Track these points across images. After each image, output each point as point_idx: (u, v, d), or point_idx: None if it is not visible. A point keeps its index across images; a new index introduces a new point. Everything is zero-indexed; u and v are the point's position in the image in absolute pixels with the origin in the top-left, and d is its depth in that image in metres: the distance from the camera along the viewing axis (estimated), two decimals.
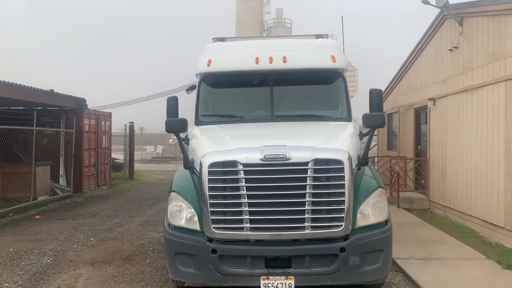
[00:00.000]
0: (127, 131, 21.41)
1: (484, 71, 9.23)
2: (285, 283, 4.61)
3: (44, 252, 7.71)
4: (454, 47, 10.66)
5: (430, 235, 8.61)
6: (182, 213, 4.94)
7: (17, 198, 12.65)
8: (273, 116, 6.27)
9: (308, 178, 4.63)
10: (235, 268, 4.69)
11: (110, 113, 18.97)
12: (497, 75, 8.64)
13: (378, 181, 5.22)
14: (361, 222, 4.77)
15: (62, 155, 15.37)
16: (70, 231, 9.53)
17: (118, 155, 24.01)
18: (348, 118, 6.26)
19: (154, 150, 42.45)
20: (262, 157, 4.65)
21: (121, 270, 6.62)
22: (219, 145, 5.23)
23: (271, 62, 6.32)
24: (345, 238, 4.69)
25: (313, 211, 4.62)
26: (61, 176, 15.30)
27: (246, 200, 4.64)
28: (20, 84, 12.53)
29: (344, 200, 4.63)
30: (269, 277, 4.63)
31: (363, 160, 5.15)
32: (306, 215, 4.60)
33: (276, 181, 4.65)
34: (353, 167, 4.89)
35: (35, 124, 12.71)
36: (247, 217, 4.63)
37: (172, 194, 5.10)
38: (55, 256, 7.46)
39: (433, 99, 11.99)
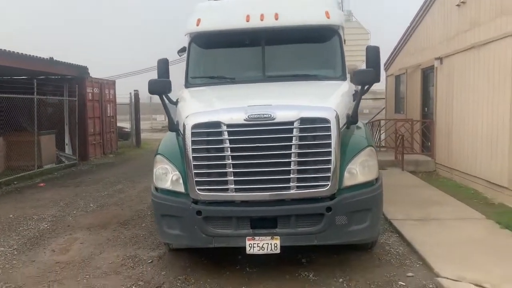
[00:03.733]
0: (133, 100, 21.35)
1: (491, 26, 8.80)
2: (271, 243, 4.55)
3: (43, 218, 7.79)
4: (462, 2, 10.17)
5: (432, 196, 8.46)
6: (167, 176, 4.87)
7: (22, 166, 12.76)
8: (265, 77, 6.07)
9: (293, 138, 4.49)
10: (220, 229, 4.64)
11: (114, 81, 18.87)
12: (505, 29, 8.23)
13: (368, 140, 5.06)
14: (348, 181, 4.64)
15: (66, 124, 15.41)
16: (72, 197, 9.61)
17: (127, 124, 24.07)
18: (343, 77, 6.03)
19: (164, 119, 42.49)
20: (246, 117, 4.51)
21: (116, 234, 6.66)
22: (204, 106, 5.10)
23: (262, 20, 6.07)
24: (332, 197, 4.58)
25: (299, 171, 4.50)
26: (67, 144, 15.40)
27: (230, 161, 4.54)
28: (18, 52, 12.45)
29: (330, 160, 4.49)
30: (255, 237, 4.57)
31: (353, 118, 4.97)
32: (292, 175, 4.48)
33: (260, 141, 4.52)
34: (342, 125, 4.74)
35: (35, 93, 12.66)
36: (232, 178, 4.54)
37: (158, 157, 5.02)
38: (53, 222, 7.53)
39: (440, 58, 11.58)
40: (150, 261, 5.50)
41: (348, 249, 5.46)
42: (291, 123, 4.50)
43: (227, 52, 6.55)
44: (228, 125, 4.54)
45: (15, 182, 11.58)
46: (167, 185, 4.86)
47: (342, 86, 5.69)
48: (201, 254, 5.49)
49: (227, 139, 4.54)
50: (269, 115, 4.50)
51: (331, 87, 5.60)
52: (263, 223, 4.61)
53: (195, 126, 4.61)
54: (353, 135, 5.01)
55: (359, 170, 4.70)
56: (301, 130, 4.51)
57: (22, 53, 12.57)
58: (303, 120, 4.51)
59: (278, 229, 4.58)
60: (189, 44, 6.50)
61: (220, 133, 4.55)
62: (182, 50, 7.21)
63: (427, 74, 13.26)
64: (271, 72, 6.12)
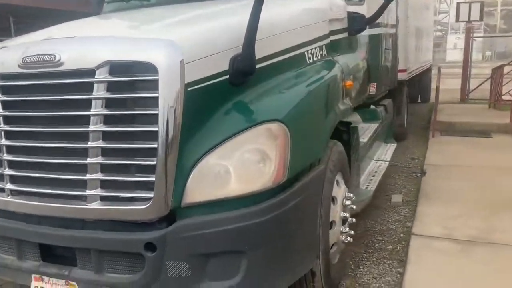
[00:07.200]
0: None
1: None
2: None
3: None
4: None
5: None
6: None
7: None
8: None
9: (93, 102, 2.30)
10: (2, 254, 2.78)
11: None
12: None
13: (281, 106, 2.53)
14: (201, 192, 2.28)
15: None
16: None
17: None
18: None
19: None
20: (21, 62, 2.43)
21: None
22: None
23: None
24: (171, 221, 2.32)
25: (104, 168, 2.33)
26: None
27: (3, 140, 2.57)
28: None
29: (155, 148, 2.20)
30: (43, 277, 2.60)
31: (242, 62, 2.46)
32: (89, 175, 2.33)
33: (43, 106, 2.45)
34: (204, 78, 2.36)
35: None
36: (7, 170, 2.57)
37: None
38: None
39: None
40: None
41: None
42: (90, 72, 2.29)
43: None
44: (2, 76, 2.54)
45: None
46: None
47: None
48: None
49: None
50: (53, 57, 2.34)
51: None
52: (57, 256, 2.60)
53: None
54: (242, 97, 2.53)
55: (235, 171, 2.29)
56: (110, 86, 2.28)
57: None
58: (114, 67, 2.27)
59: (76, 269, 2.52)
60: None
61: None
62: None
63: None
64: None
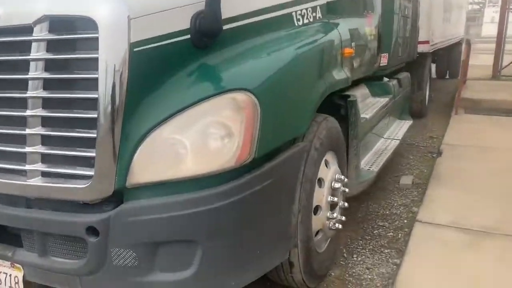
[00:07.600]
0: None
1: None
2: (10, 275, 2.30)
3: None
4: None
5: None
6: None
7: None
8: None
9: (31, 65, 2.00)
10: None
11: None
12: None
13: (251, 73, 2.18)
14: (152, 171, 1.97)
15: None
16: None
17: None
18: None
19: None
20: None
21: None
22: None
23: None
24: (118, 202, 2.03)
25: (45, 140, 2.05)
26: None
27: None
28: None
29: (94, 118, 1.90)
30: None
31: (207, 23, 2.10)
32: (28, 147, 2.05)
33: None
34: (156, 37, 2.01)
35: None
36: None
37: None
38: None
39: None
40: None
41: None
42: (28, 29, 1.99)
43: None
44: None
45: None
46: None
47: None
48: None
49: None
50: None
51: None
52: (6, 237, 2.36)
53: None
54: (204, 61, 2.17)
55: (191, 146, 1.97)
56: (50, 46, 1.98)
57: None
58: (53, 23, 1.96)
59: (22, 250, 2.28)
60: None
61: None
62: None
63: None
64: None
